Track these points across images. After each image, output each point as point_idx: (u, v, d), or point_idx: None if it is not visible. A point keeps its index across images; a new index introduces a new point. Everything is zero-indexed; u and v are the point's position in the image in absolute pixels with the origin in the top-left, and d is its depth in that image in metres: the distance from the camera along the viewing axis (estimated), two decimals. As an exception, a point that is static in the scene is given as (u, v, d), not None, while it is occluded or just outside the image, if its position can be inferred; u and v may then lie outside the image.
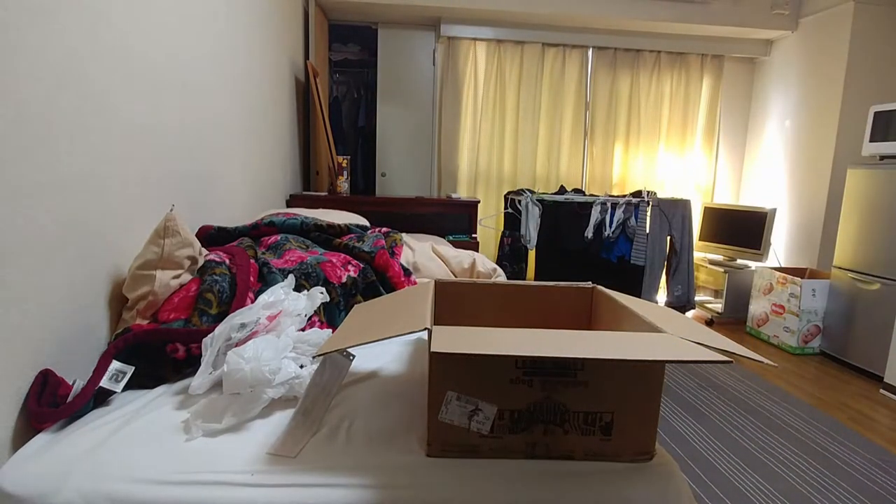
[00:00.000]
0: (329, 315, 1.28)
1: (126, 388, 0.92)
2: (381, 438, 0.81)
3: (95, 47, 1.07)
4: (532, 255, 3.44)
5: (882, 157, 2.81)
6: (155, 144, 1.34)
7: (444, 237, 2.90)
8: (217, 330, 0.96)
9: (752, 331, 3.46)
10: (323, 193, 3.11)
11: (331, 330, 1.15)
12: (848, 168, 2.93)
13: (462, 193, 3.93)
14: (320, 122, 3.11)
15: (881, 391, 2.57)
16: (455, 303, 1.13)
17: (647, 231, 3.33)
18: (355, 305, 1.20)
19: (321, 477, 0.72)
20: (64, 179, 0.97)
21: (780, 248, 3.77)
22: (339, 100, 4.26)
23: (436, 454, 0.76)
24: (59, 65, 0.96)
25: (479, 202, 3.34)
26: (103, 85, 1.10)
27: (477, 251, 2.72)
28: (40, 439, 0.80)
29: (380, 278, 1.51)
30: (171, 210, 1.17)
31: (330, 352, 0.81)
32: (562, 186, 3.70)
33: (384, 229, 1.97)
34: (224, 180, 1.90)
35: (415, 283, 1.57)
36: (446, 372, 0.74)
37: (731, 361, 0.65)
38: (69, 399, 0.86)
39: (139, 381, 0.95)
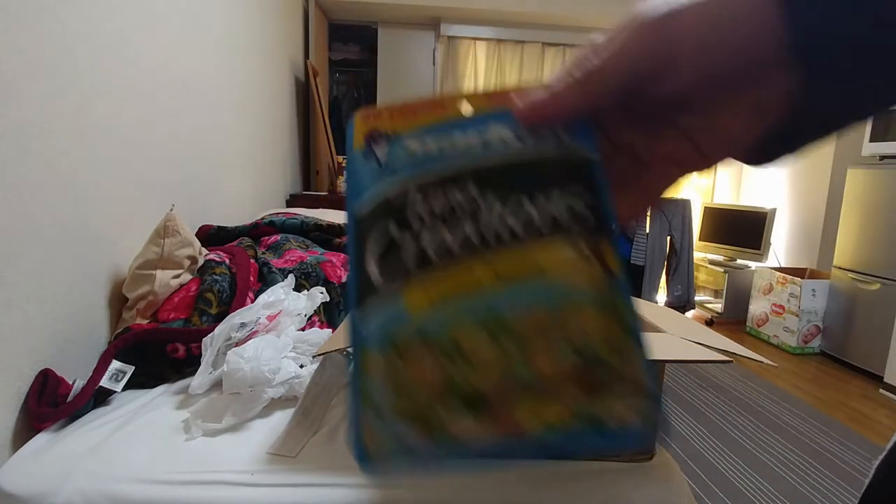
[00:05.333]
0: (329, 315, 1.28)
1: (126, 388, 0.92)
2: (381, 438, 0.81)
3: (95, 48, 1.07)
4: (532, 254, 3.44)
5: (882, 157, 2.81)
6: (155, 144, 1.34)
7: (444, 237, 2.89)
8: (217, 330, 0.96)
9: (752, 331, 3.46)
10: (323, 193, 3.11)
11: (331, 330, 1.15)
12: (848, 168, 2.93)
13: (462, 193, 3.93)
14: (320, 121, 3.11)
15: (881, 391, 2.57)
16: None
17: (647, 231, 3.33)
18: (355, 305, 1.20)
19: (321, 477, 0.72)
20: (64, 179, 0.97)
21: (780, 248, 3.77)
22: (339, 100, 4.27)
23: (436, 454, 0.76)
24: (60, 65, 0.96)
25: (479, 202, 3.34)
26: (103, 85, 1.10)
27: (477, 251, 2.71)
28: (40, 439, 0.80)
29: (380, 278, 1.50)
30: (171, 210, 1.17)
31: (330, 351, 0.81)
32: (562, 186, 3.70)
33: (384, 229, 1.97)
34: (224, 180, 1.90)
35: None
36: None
37: (731, 361, 0.65)
38: (69, 399, 0.86)
39: (139, 381, 0.95)
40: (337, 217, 2.21)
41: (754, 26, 0.23)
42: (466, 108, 0.26)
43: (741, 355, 0.70)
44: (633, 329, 0.22)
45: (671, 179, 0.29)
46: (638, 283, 3.34)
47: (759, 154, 0.28)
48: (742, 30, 0.23)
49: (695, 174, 0.30)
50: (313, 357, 0.94)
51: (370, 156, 0.26)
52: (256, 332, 0.99)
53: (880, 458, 0.36)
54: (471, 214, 0.24)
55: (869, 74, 0.24)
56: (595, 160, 0.25)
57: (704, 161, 0.28)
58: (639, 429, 0.22)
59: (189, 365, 0.99)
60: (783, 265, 3.66)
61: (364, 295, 0.23)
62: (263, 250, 1.49)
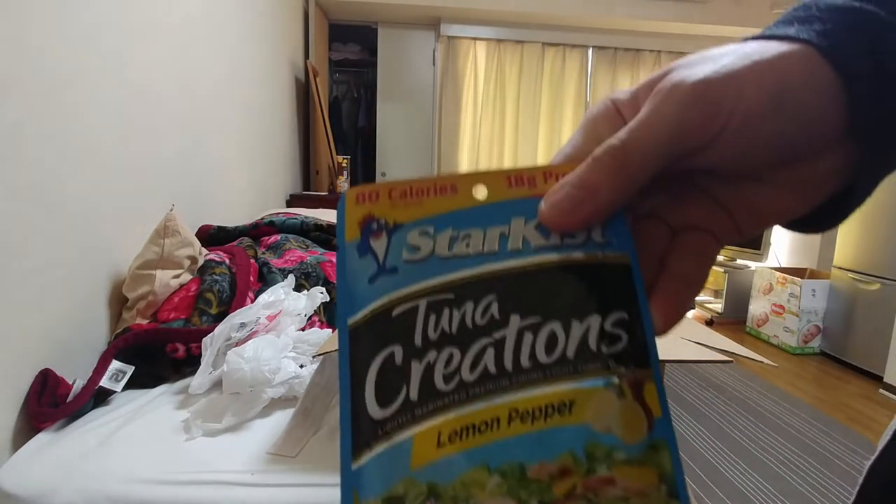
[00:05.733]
0: (329, 315, 1.28)
1: (126, 388, 0.92)
2: (381, 438, 0.81)
3: (95, 48, 1.07)
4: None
5: (882, 157, 2.81)
6: (155, 144, 1.34)
7: (444, 237, 2.89)
8: (217, 330, 0.96)
9: (752, 331, 3.46)
10: (323, 193, 3.11)
11: (331, 330, 1.15)
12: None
13: (462, 193, 3.93)
14: (320, 122, 3.11)
15: (881, 391, 2.57)
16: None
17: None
18: (355, 305, 1.20)
19: (321, 477, 0.72)
20: (64, 179, 0.97)
21: (780, 248, 3.77)
22: (339, 100, 4.27)
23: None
24: (59, 65, 0.96)
25: (479, 202, 3.34)
26: (103, 85, 1.10)
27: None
28: (40, 439, 0.80)
29: (380, 278, 1.50)
30: (171, 210, 1.17)
31: (330, 351, 0.81)
32: (562, 186, 3.69)
33: (384, 229, 1.97)
34: (224, 180, 1.90)
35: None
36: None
37: (731, 361, 0.65)
38: (69, 399, 0.86)
39: (139, 381, 0.95)
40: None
41: (818, 107, 0.20)
42: (482, 194, 0.22)
43: (741, 355, 0.70)
44: (675, 484, 0.19)
45: (708, 253, 0.23)
46: (638, 283, 3.34)
47: (801, 224, 0.25)
48: (804, 107, 0.20)
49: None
50: (313, 357, 0.94)
51: (366, 252, 0.22)
52: (256, 332, 0.99)
53: (872, 458, 0.36)
54: (488, 335, 0.20)
55: None
56: (630, 264, 0.21)
57: (739, 234, 0.24)
58: None
59: (189, 365, 0.99)
60: (783, 265, 3.66)
61: (360, 436, 0.19)
62: (263, 250, 1.49)
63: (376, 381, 0.20)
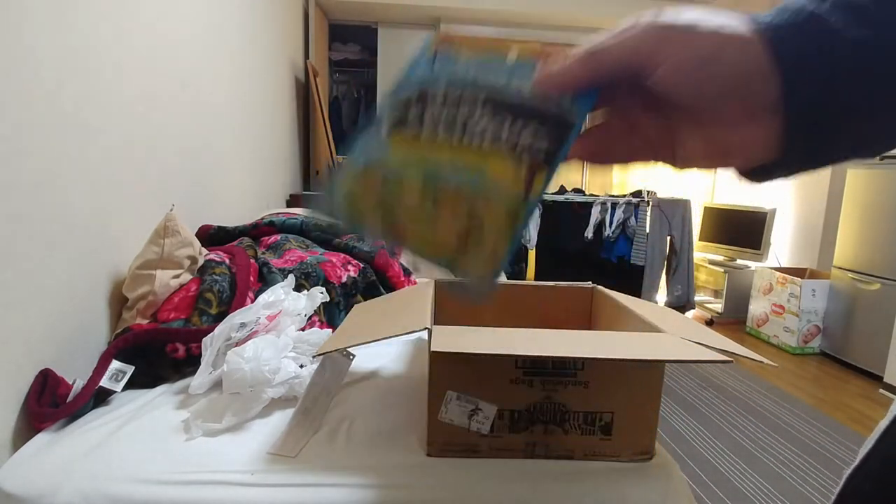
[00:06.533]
0: (329, 315, 1.28)
1: (126, 388, 0.92)
2: (381, 438, 0.81)
3: (96, 46, 1.07)
4: (532, 255, 3.44)
5: (882, 157, 2.81)
6: (155, 144, 1.34)
7: (444, 237, 2.89)
8: (217, 330, 0.96)
9: (752, 331, 3.46)
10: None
11: (331, 330, 1.15)
12: (848, 168, 2.93)
13: (462, 193, 3.93)
14: (320, 122, 3.11)
15: (881, 391, 2.57)
16: (455, 302, 1.13)
17: (647, 231, 3.33)
18: (355, 305, 1.20)
19: (321, 477, 0.72)
20: (64, 179, 0.97)
21: (781, 248, 3.77)
22: (339, 100, 4.27)
23: (436, 454, 0.76)
24: (60, 63, 0.96)
25: (479, 202, 3.34)
26: (103, 84, 1.10)
27: (477, 251, 2.71)
28: (40, 439, 0.80)
29: (380, 278, 1.51)
30: (171, 210, 1.17)
31: (330, 351, 0.81)
32: (562, 186, 3.70)
33: (384, 229, 1.97)
34: (224, 180, 1.90)
35: (415, 282, 1.56)
36: (446, 371, 0.74)
37: (731, 361, 0.65)
38: (69, 399, 0.85)
39: (139, 381, 0.95)
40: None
41: (745, 75, 0.26)
42: (513, 56, 0.34)
43: (741, 355, 0.70)
44: (517, 229, 0.33)
45: (639, 157, 0.34)
46: (638, 283, 3.34)
47: (746, 174, 0.31)
48: (731, 71, 0.26)
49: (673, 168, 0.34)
50: (313, 357, 0.94)
51: (428, 65, 0.36)
52: (256, 332, 0.99)
53: (852, 467, 0.36)
54: (465, 120, 0.33)
55: (854, 133, 0.27)
56: (575, 126, 0.32)
57: (673, 160, 0.32)
58: (475, 284, 0.34)
59: (189, 365, 0.99)
60: (783, 265, 3.66)
61: (370, 137, 0.35)
62: (263, 250, 1.49)
63: (391, 121, 0.35)
